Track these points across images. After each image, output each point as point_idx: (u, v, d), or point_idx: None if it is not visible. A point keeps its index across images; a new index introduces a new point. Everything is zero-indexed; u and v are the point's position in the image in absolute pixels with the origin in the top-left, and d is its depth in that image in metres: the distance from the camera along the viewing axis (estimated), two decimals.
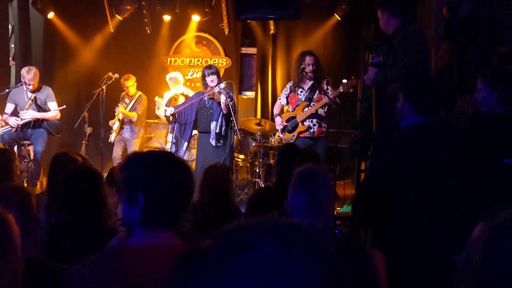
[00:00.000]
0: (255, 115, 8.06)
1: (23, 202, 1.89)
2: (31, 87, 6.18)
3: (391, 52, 3.76)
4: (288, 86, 5.86)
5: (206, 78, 5.74)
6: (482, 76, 2.96)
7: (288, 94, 5.82)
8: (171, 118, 6.00)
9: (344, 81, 5.39)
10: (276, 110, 5.97)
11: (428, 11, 5.50)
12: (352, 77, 5.38)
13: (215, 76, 5.72)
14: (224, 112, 5.63)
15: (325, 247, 0.76)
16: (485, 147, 2.84)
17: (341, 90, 5.42)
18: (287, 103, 5.85)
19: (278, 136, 6.04)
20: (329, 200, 2.22)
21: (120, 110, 6.94)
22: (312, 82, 5.59)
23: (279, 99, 5.97)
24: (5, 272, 1.12)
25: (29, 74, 6.13)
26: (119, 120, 7.14)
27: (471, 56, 4.43)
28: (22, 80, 6.16)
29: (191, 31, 8.56)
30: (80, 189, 2.56)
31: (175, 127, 6.01)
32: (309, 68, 5.54)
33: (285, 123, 5.74)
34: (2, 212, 1.16)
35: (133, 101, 7.12)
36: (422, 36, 3.78)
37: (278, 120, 5.83)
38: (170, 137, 7.29)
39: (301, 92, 5.68)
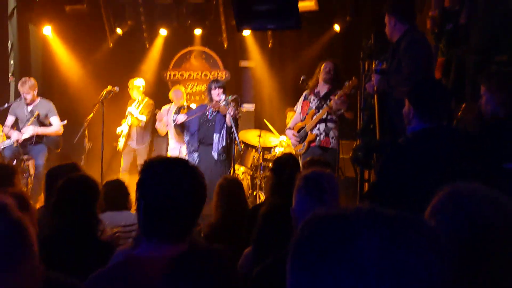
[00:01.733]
0: (255, 127, 8.04)
1: (22, 207, 1.85)
2: (29, 96, 6.13)
3: (396, 58, 3.77)
4: (304, 93, 5.72)
5: (212, 91, 5.74)
6: (483, 81, 2.96)
7: (303, 101, 5.69)
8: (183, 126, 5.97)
9: (346, 83, 5.35)
10: (291, 123, 5.81)
11: (423, 22, 5.53)
12: (353, 77, 5.33)
13: (221, 90, 5.73)
14: (229, 125, 5.60)
15: (437, 241, 0.69)
16: (488, 152, 2.83)
17: (344, 92, 5.37)
18: (301, 111, 5.72)
19: (292, 147, 5.96)
20: (335, 203, 2.19)
21: (133, 110, 6.89)
22: (326, 90, 5.47)
23: (296, 108, 5.83)
24: (23, 277, 1.08)
25: (24, 86, 6.12)
26: (128, 126, 7.09)
27: (468, 64, 4.48)
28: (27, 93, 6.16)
29: (190, 45, 8.60)
30: (73, 198, 2.47)
31: (186, 137, 6.00)
32: (325, 71, 5.42)
33: (296, 134, 5.60)
34: (16, 214, 1.12)
35: (141, 105, 7.09)
36: (426, 43, 3.80)
37: (289, 133, 5.69)
38: (174, 146, 7.26)
39: (313, 100, 5.55)
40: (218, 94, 5.72)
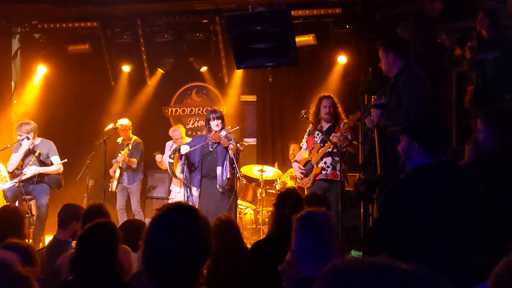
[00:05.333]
0: (257, 161, 8.04)
1: (28, 260, 1.86)
2: (29, 138, 6.16)
3: (395, 93, 3.79)
4: (308, 129, 5.87)
5: (211, 122, 5.70)
6: (482, 117, 2.95)
7: (307, 137, 5.81)
8: (183, 157, 5.77)
9: (350, 116, 5.44)
10: (297, 156, 5.95)
11: None
12: (357, 111, 5.41)
13: (220, 121, 5.68)
14: (231, 156, 5.57)
15: None
16: (490, 186, 2.81)
17: (348, 125, 5.45)
18: (307, 147, 5.82)
19: (296, 181, 6.00)
20: (333, 240, 2.20)
21: (123, 156, 6.90)
22: (329, 124, 5.62)
23: (302, 144, 5.97)
24: None
25: (23, 127, 6.15)
26: (120, 168, 7.12)
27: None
28: (24, 135, 6.19)
29: (191, 81, 8.70)
30: (94, 248, 2.52)
31: (185, 169, 5.82)
32: (324, 111, 5.58)
33: (302, 168, 5.68)
34: (23, 271, 1.14)
35: (130, 146, 7.11)
36: (424, 77, 3.82)
37: (295, 165, 5.79)
38: (177, 182, 7.22)
39: (318, 134, 5.66)
40: (217, 125, 5.67)
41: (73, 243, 3.82)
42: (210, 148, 5.78)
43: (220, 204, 5.56)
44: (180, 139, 7.01)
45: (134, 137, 7.23)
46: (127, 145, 7.07)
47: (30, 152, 6.24)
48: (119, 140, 7.29)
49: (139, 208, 7.27)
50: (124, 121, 7.14)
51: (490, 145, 2.83)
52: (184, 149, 5.72)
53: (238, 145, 5.57)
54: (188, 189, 5.81)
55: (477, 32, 5.02)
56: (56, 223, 3.97)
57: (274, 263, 2.52)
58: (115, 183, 7.16)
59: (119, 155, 6.96)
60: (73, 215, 3.88)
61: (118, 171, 7.12)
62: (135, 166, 7.06)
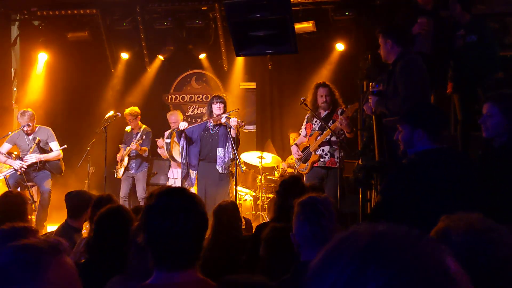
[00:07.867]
0: (256, 148, 8.07)
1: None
2: (26, 128, 6.21)
3: (392, 80, 3.81)
4: (306, 116, 5.92)
5: (213, 105, 5.71)
6: (495, 102, 2.89)
7: (306, 124, 5.87)
8: (182, 135, 5.79)
9: (349, 106, 5.48)
10: (297, 140, 6.01)
11: None
12: (356, 102, 5.44)
13: (223, 105, 5.70)
14: (233, 135, 5.56)
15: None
16: (496, 172, 2.84)
17: (346, 115, 5.48)
18: (306, 133, 5.88)
19: (295, 167, 6.06)
20: (333, 227, 2.23)
21: (136, 145, 6.88)
22: (327, 111, 5.66)
23: (300, 131, 6.04)
24: None
25: (23, 116, 6.18)
26: (128, 156, 7.12)
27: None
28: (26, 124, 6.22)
29: (191, 69, 8.70)
30: (109, 231, 2.60)
31: (184, 147, 5.80)
32: (321, 100, 5.61)
33: (301, 153, 5.75)
34: (58, 242, 1.19)
35: (139, 134, 7.12)
36: (421, 65, 3.84)
37: (293, 148, 5.87)
38: (176, 168, 7.27)
39: (316, 121, 5.71)
40: (219, 108, 5.68)
41: (83, 233, 3.89)
42: (211, 131, 5.79)
43: (218, 190, 5.59)
44: (174, 123, 6.99)
45: (144, 126, 7.23)
46: (137, 133, 7.07)
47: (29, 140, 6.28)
48: (128, 128, 7.26)
49: (145, 195, 7.31)
50: (134, 109, 7.12)
51: (502, 130, 2.82)
52: (183, 125, 5.70)
53: (239, 121, 5.55)
54: (185, 171, 5.83)
55: (452, 20, 4.96)
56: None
57: (276, 252, 2.57)
58: (121, 170, 7.15)
59: (132, 143, 6.94)
60: (87, 203, 3.88)
61: (126, 159, 7.11)
62: (147, 154, 7.07)
